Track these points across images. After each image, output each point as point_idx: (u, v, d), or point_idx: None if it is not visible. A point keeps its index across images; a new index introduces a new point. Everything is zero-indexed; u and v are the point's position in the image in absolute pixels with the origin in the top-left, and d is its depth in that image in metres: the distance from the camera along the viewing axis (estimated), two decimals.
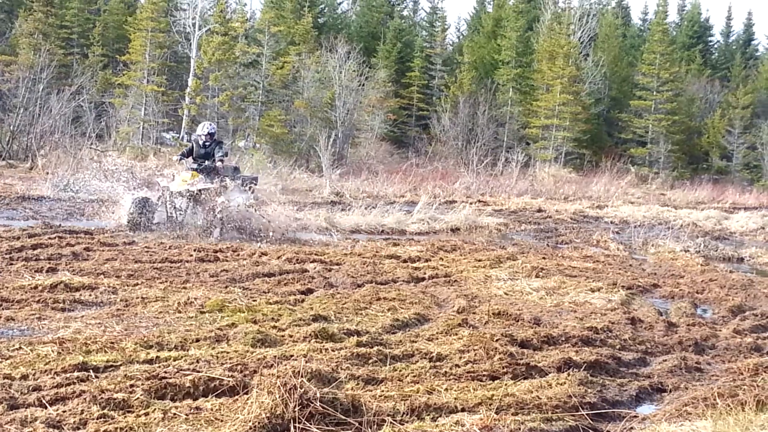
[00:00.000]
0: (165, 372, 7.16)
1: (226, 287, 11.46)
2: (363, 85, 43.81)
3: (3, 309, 9.16)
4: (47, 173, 24.70)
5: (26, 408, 6.19)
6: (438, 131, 51.64)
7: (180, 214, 16.86)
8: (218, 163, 16.98)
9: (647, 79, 58.48)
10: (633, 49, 68.37)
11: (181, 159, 17.49)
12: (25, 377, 6.88)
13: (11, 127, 31.21)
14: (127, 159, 28.34)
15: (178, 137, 42.20)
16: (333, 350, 8.37)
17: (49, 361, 7.35)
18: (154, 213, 16.75)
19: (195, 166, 16.98)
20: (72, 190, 21.39)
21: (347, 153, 42.20)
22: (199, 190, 16.51)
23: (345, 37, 48.45)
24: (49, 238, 13.91)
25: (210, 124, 17.67)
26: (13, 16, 48.13)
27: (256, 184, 18.33)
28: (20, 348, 7.76)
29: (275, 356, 7.93)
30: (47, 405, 6.25)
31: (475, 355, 8.51)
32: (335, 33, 51.80)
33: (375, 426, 6.15)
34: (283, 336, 8.91)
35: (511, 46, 57.14)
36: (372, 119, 47.09)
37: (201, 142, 17.33)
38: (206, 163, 17.04)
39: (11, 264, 11.77)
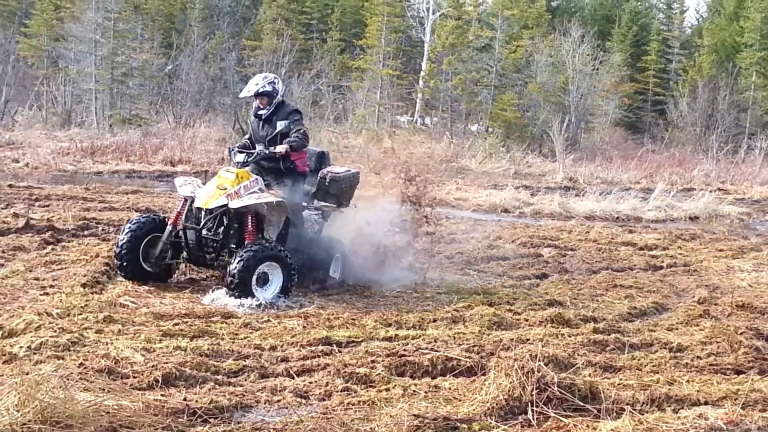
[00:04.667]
0: (404, 350, 7.34)
1: (462, 269, 11.57)
2: (597, 69, 42.89)
3: None
4: None
5: (275, 377, 6.52)
6: (675, 117, 49.82)
7: (195, 250, 9.53)
8: (279, 149, 9.57)
9: None
10: None
11: (231, 151, 9.85)
12: (273, 348, 7.25)
13: None
14: (362, 141, 29.14)
15: (413, 120, 42.89)
16: (569, 336, 8.31)
17: (296, 334, 7.70)
18: (163, 251, 9.53)
19: (241, 157, 9.63)
20: None
21: (580, 138, 41.49)
22: (229, 210, 9.29)
23: (579, 21, 47.54)
24: None
25: (264, 77, 9.98)
26: (258, 3, 50.28)
27: (348, 190, 10.43)
28: (268, 320, 8.17)
29: (511, 339, 7.95)
30: (294, 375, 6.55)
31: (718, 347, 8.20)
32: (569, 16, 50.96)
33: (614, 414, 6.05)
34: (518, 319, 8.92)
35: (755, 28, 54.15)
36: (606, 104, 46.05)
37: (254, 111, 10.15)
38: (265, 151, 9.66)
39: None
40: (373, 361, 6.99)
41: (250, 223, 9.24)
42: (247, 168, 9.44)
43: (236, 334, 7.63)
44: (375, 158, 20.48)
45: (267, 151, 9.57)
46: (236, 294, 8.70)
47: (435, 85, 41.18)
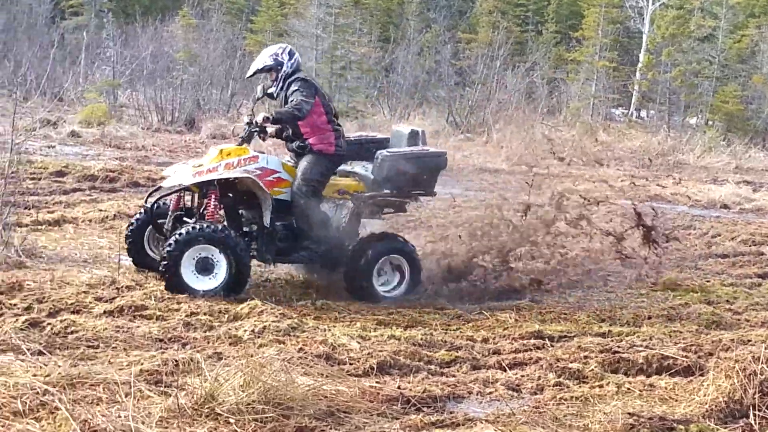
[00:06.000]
0: (618, 346, 7.25)
1: (678, 266, 11.25)
2: None
3: None
4: (501, 147, 25.69)
5: (487, 369, 6.59)
6: None
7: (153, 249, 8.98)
8: (257, 119, 8.70)
9: None
10: None
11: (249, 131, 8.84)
12: (485, 340, 7.32)
13: (469, 102, 32.81)
14: (576, 134, 28.72)
15: (628, 113, 41.88)
16: None
17: (507, 327, 7.75)
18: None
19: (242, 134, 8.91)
20: (526, 164, 22.00)
21: None
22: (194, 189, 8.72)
23: None
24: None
25: (267, 51, 9.13)
26: None
27: (416, 175, 8.81)
28: (481, 313, 8.25)
29: (731, 339, 7.67)
30: (506, 368, 6.60)
31: None
32: None
33: None
34: (738, 320, 8.62)
35: None
36: None
37: (266, 90, 9.17)
38: (252, 128, 8.78)
39: None
40: (585, 357, 6.93)
41: (212, 202, 8.44)
42: (245, 144, 8.70)
43: (448, 326, 7.76)
44: (589, 152, 20.15)
45: (252, 127, 8.72)
46: (165, 281, 8.05)
47: (653, 77, 40.00)
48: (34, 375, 5.38)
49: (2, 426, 4.75)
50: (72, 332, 6.74)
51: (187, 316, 7.37)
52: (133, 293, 7.85)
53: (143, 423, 4.86)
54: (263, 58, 8.94)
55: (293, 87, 8.63)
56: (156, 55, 31.67)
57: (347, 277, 8.63)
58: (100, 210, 11.68)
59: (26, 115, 15.87)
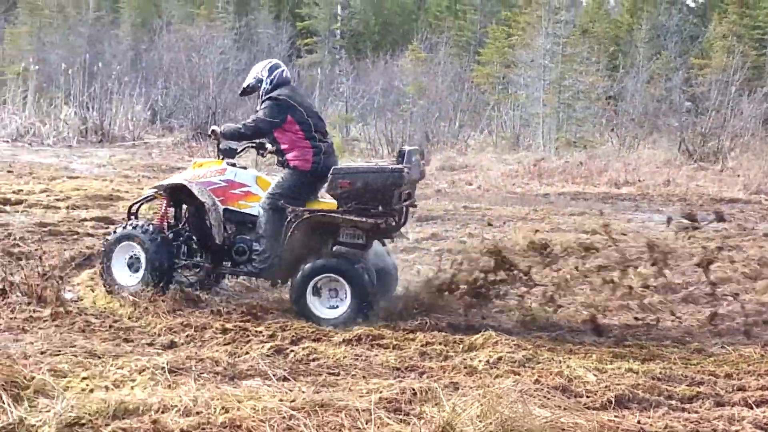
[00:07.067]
0: None
1: None
2: None
3: None
4: (738, 175, 24.67)
5: (732, 406, 6.32)
6: None
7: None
8: (214, 128, 9.09)
9: None
10: None
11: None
12: (729, 376, 7.02)
13: (702, 130, 31.74)
14: None
15: None
16: None
17: (752, 363, 7.40)
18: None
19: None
20: (765, 193, 21.06)
21: None
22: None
23: None
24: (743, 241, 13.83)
25: (261, 64, 9.10)
26: (706, 20, 48.90)
27: (358, 191, 8.24)
28: (723, 347, 7.94)
29: None
30: (753, 406, 6.30)
31: None
32: None
33: None
34: None
35: None
36: None
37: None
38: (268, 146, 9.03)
39: None
40: None
41: (162, 207, 8.99)
42: (222, 158, 8.96)
43: (688, 360, 7.49)
44: None
45: (211, 139, 9.21)
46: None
47: None
48: (281, 400, 5.63)
49: None
50: (314, 359, 7.03)
51: (422, 345, 7.52)
52: (369, 323, 8.11)
53: None
54: (248, 77, 9.07)
55: (262, 106, 8.76)
56: (386, 89, 32.64)
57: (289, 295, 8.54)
58: None
59: None
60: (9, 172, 19.15)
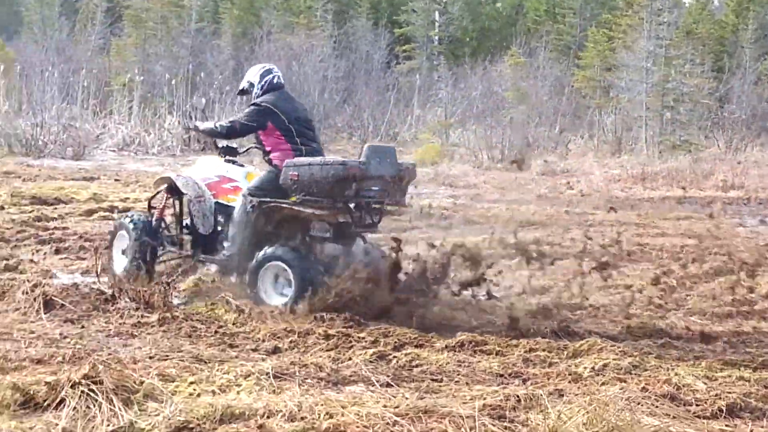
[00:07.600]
0: None
1: None
2: None
3: None
4: None
5: None
6: None
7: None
8: (197, 124, 9.77)
9: None
10: None
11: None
12: None
13: None
14: None
15: None
16: None
17: None
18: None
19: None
20: None
21: None
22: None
23: None
24: None
25: (255, 68, 9.41)
26: None
27: (298, 183, 8.35)
28: None
29: None
30: None
31: None
32: None
33: None
34: None
35: None
36: None
37: None
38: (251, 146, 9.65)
39: None
40: None
41: (162, 200, 9.54)
42: (223, 155, 9.47)
43: None
44: None
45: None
46: None
47: None
48: (384, 406, 5.61)
49: None
50: (416, 365, 6.98)
51: (525, 351, 7.41)
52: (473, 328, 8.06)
53: None
54: (243, 80, 9.33)
55: (245, 110, 9.14)
56: (485, 94, 32.50)
57: None
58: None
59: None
60: (116, 180, 19.72)
